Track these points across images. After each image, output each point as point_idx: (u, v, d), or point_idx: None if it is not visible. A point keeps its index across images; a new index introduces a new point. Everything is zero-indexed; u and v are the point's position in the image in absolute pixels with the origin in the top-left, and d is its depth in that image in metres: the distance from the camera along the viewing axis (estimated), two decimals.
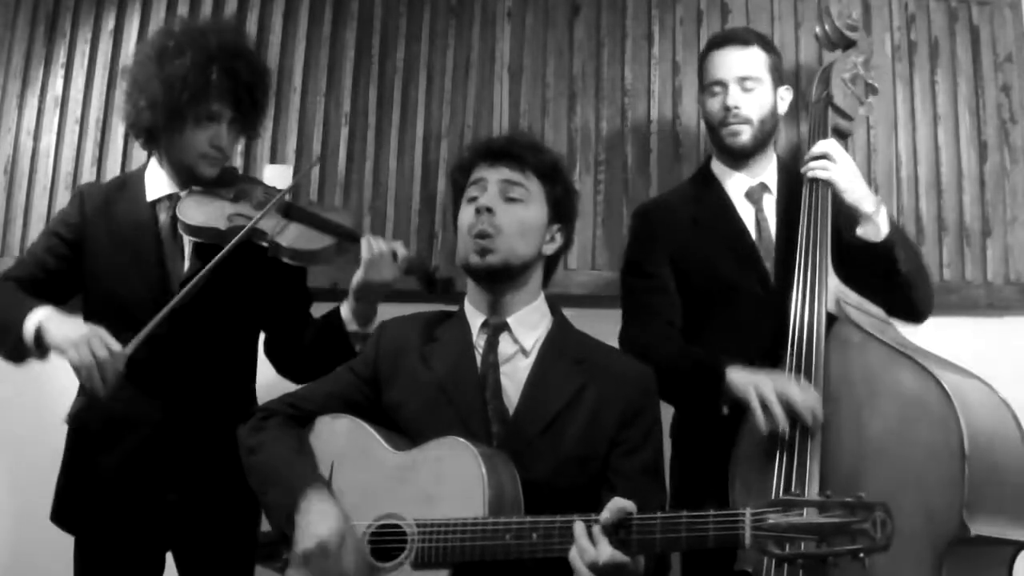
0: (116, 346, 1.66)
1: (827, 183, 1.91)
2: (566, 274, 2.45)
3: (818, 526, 1.16)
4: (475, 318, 1.65)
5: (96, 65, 2.63)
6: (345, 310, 1.88)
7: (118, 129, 2.58)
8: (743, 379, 1.72)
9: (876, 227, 1.88)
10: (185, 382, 1.84)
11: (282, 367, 2.00)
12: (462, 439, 1.45)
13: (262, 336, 2.03)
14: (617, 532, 1.30)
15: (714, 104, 2.05)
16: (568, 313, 1.72)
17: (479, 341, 1.62)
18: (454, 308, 1.72)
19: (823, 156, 1.93)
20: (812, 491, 1.62)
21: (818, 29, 2.14)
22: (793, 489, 1.61)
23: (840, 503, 1.16)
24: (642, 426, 1.56)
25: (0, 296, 1.80)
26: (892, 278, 1.89)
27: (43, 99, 2.62)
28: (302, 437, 1.58)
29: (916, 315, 1.95)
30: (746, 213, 2.03)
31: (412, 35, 2.65)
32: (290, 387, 1.82)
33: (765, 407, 1.67)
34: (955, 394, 1.59)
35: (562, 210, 1.67)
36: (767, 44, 2.09)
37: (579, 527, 1.33)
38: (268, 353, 2.02)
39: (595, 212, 2.55)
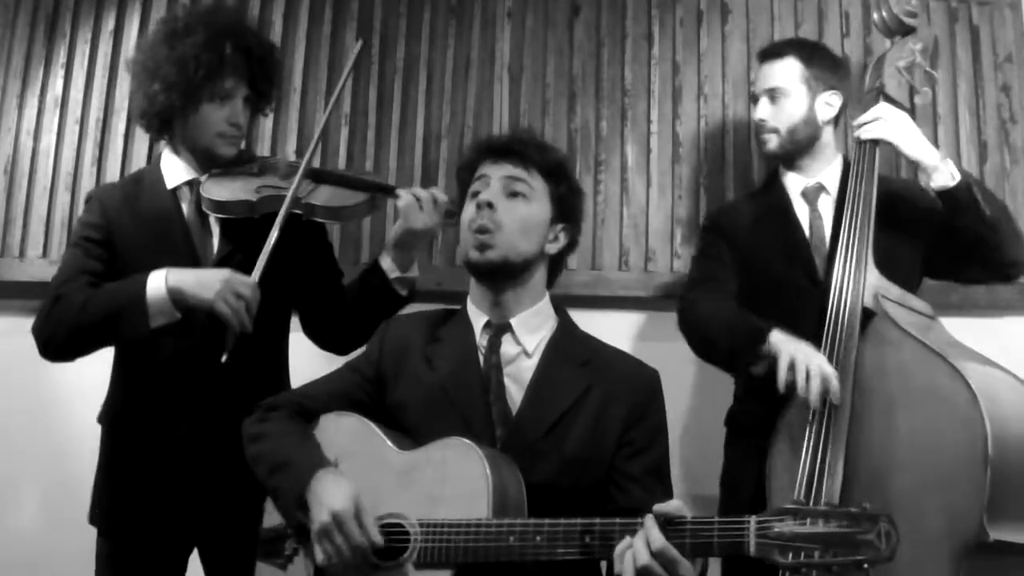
0: (250, 279, 1.73)
1: (875, 143, 1.94)
2: (567, 274, 2.41)
3: (822, 536, 1.16)
4: (478, 318, 1.63)
5: (96, 65, 2.63)
6: (386, 260, 1.89)
7: (118, 129, 2.59)
8: (782, 340, 1.76)
9: (946, 175, 1.89)
10: (222, 373, 1.78)
11: (325, 340, 1.99)
12: (467, 440, 1.44)
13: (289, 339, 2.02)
14: (623, 536, 1.30)
15: (753, 115, 2.16)
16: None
17: (482, 342, 1.61)
18: (457, 307, 1.70)
19: (874, 120, 1.96)
20: (835, 486, 1.62)
21: (875, 15, 2.11)
22: (815, 484, 1.62)
23: (845, 513, 1.16)
24: (647, 428, 1.55)
25: (80, 294, 1.77)
26: (980, 225, 1.88)
27: (43, 99, 2.62)
28: (307, 429, 1.57)
29: (1008, 265, 1.94)
30: (801, 212, 2.09)
31: (412, 35, 2.65)
32: None
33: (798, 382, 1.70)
34: (983, 395, 1.57)
35: (566, 209, 1.65)
36: (806, 53, 2.10)
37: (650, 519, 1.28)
38: (308, 330, 2.00)
39: (595, 212, 2.55)
